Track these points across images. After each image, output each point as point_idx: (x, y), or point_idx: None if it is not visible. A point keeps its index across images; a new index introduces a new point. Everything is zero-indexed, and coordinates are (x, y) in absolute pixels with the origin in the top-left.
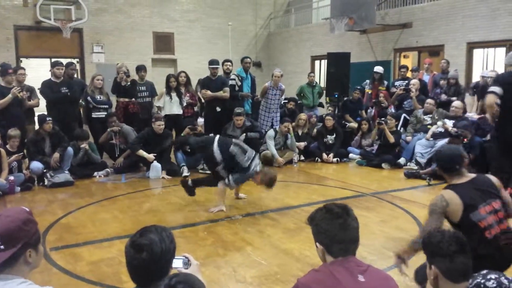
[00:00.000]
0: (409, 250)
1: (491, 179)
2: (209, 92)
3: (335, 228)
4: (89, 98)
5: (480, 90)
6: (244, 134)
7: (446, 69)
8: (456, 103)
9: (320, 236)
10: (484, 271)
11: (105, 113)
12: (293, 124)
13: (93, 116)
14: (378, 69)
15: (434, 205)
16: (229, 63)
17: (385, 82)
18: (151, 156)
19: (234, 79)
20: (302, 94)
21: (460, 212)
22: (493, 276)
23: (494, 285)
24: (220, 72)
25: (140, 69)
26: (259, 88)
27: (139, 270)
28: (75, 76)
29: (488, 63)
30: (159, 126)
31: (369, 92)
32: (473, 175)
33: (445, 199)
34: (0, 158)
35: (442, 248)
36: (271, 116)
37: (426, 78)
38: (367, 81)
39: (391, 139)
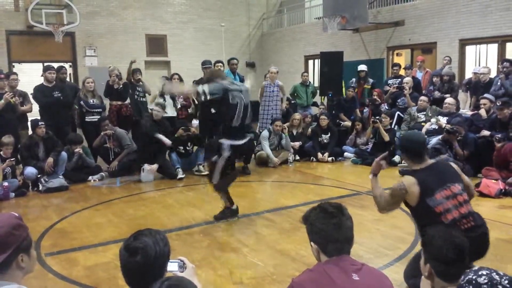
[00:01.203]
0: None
1: (451, 164)
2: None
3: (329, 228)
4: (82, 102)
5: (473, 87)
6: None
7: (447, 65)
8: (449, 99)
9: (314, 235)
10: (476, 267)
11: (98, 116)
12: (288, 124)
13: (86, 120)
14: (362, 67)
15: (394, 190)
16: (220, 64)
17: (370, 80)
18: (168, 141)
19: None
20: (295, 94)
21: (417, 197)
22: (484, 272)
23: (486, 280)
24: None
25: (135, 72)
26: (250, 88)
27: (133, 273)
28: (68, 80)
29: (480, 60)
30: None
31: (355, 91)
32: (432, 161)
33: (405, 187)
34: None
35: (441, 254)
36: (270, 113)
37: (419, 75)
38: (353, 79)
39: (386, 137)
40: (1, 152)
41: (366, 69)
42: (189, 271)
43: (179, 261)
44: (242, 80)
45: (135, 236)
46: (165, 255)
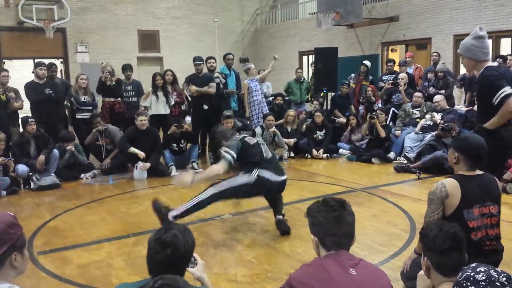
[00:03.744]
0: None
1: (497, 181)
2: (194, 87)
3: (329, 221)
4: (72, 99)
5: (468, 83)
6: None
7: (437, 61)
8: (436, 97)
9: (315, 227)
10: (474, 264)
11: (90, 113)
12: (282, 120)
13: (77, 117)
14: (367, 62)
15: (433, 193)
16: (212, 60)
17: (370, 77)
18: (142, 153)
19: (218, 77)
20: (289, 90)
21: (455, 206)
22: (482, 269)
23: (484, 277)
24: (205, 70)
25: (126, 68)
26: None
27: (160, 265)
28: (59, 76)
29: None
30: (141, 121)
31: (353, 87)
32: (481, 172)
33: (446, 190)
34: None
35: (436, 244)
36: (259, 107)
37: (409, 71)
38: (352, 75)
39: (383, 133)
40: None
41: (369, 65)
42: (199, 267)
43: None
44: (237, 76)
45: (166, 229)
46: (192, 250)
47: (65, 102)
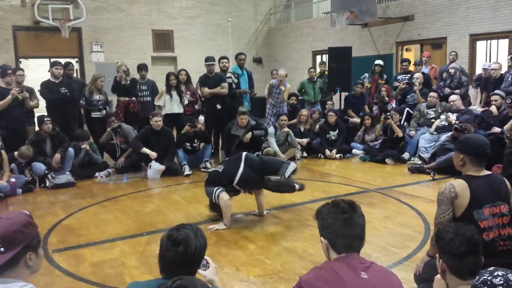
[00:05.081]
0: (432, 246)
1: (505, 181)
2: (206, 89)
3: (339, 223)
4: (84, 99)
5: (484, 83)
6: (250, 133)
7: (454, 61)
8: (452, 97)
9: (325, 230)
10: (491, 268)
11: (104, 111)
12: (295, 120)
13: (92, 116)
14: (379, 61)
15: (442, 194)
16: (225, 60)
17: (384, 76)
18: (154, 154)
19: (230, 77)
20: (303, 90)
21: (465, 206)
22: (500, 273)
23: (501, 282)
24: (217, 70)
25: (141, 68)
26: (257, 84)
27: (171, 263)
28: (74, 75)
29: (491, 55)
30: (156, 122)
31: (369, 86)
32: (489, 172)
33: (455, 190)
34: (1, 161)
35: (452, 247)
36: (276, 112)
37: (425, 71)
38: (366, 74)
39: (400, 133)
40: (16, 153)
41: (382, 64)
42: (211, 270)
43: (203, 259)
44: (250, 75)
45: (178, 228)
46: (203, 250)
47: (81, 101)
